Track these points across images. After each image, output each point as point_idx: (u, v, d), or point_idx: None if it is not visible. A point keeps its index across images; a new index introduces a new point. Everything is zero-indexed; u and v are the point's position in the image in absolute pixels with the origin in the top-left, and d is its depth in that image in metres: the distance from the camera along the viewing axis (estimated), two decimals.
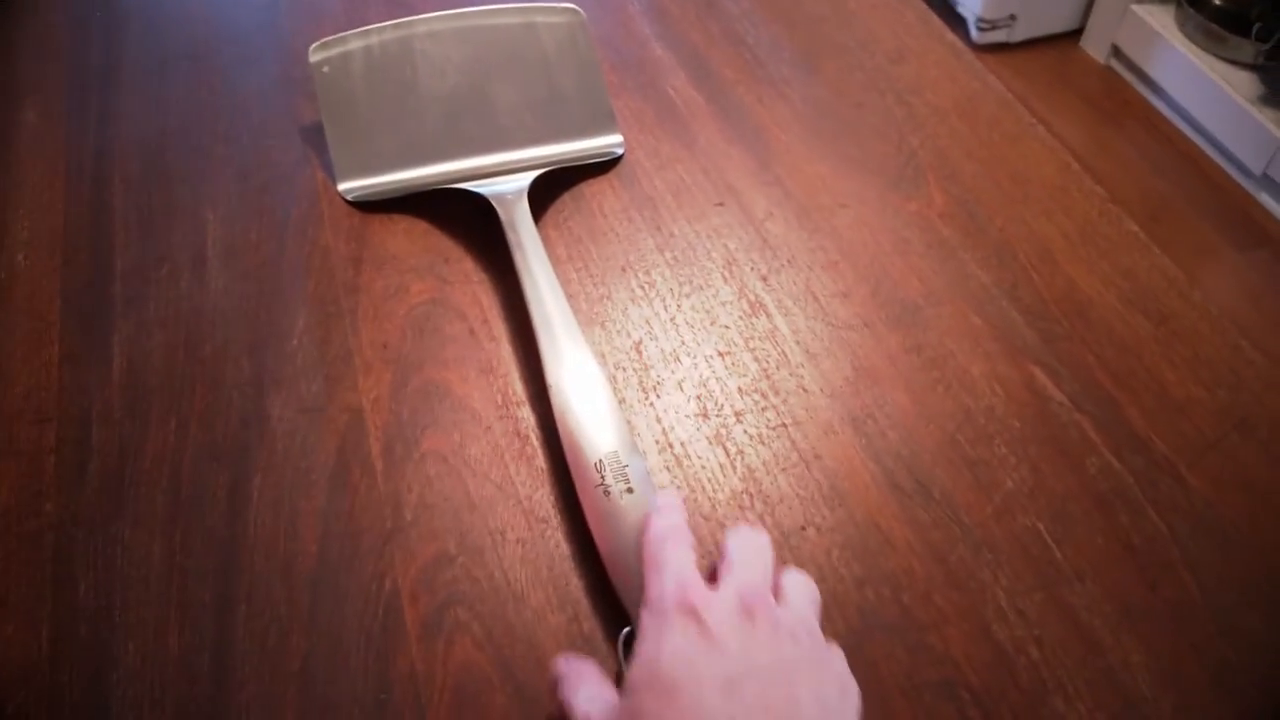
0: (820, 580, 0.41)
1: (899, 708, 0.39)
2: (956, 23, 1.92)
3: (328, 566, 0.42)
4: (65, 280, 0.52)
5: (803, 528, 0.44)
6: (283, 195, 0.56)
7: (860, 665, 0.38)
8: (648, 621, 0.35)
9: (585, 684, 0.35)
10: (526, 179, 0.54)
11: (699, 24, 0.68)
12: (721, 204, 0.57)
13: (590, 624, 0.41)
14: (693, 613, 0.35)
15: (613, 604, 0.40)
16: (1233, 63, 1.67)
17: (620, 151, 0.59)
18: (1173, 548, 0.43)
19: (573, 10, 0.60)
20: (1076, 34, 1.93)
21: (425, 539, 0.43)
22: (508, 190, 0.53)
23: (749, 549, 0.39)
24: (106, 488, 0.44)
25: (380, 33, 0.56)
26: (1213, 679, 0.40)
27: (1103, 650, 0.40)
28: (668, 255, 0.54)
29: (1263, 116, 1.59)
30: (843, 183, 0.58)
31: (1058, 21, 1.91)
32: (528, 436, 0.46)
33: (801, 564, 0.42)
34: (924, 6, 0.70)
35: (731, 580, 0.37)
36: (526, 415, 0.47)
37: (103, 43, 0.65)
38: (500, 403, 0.47)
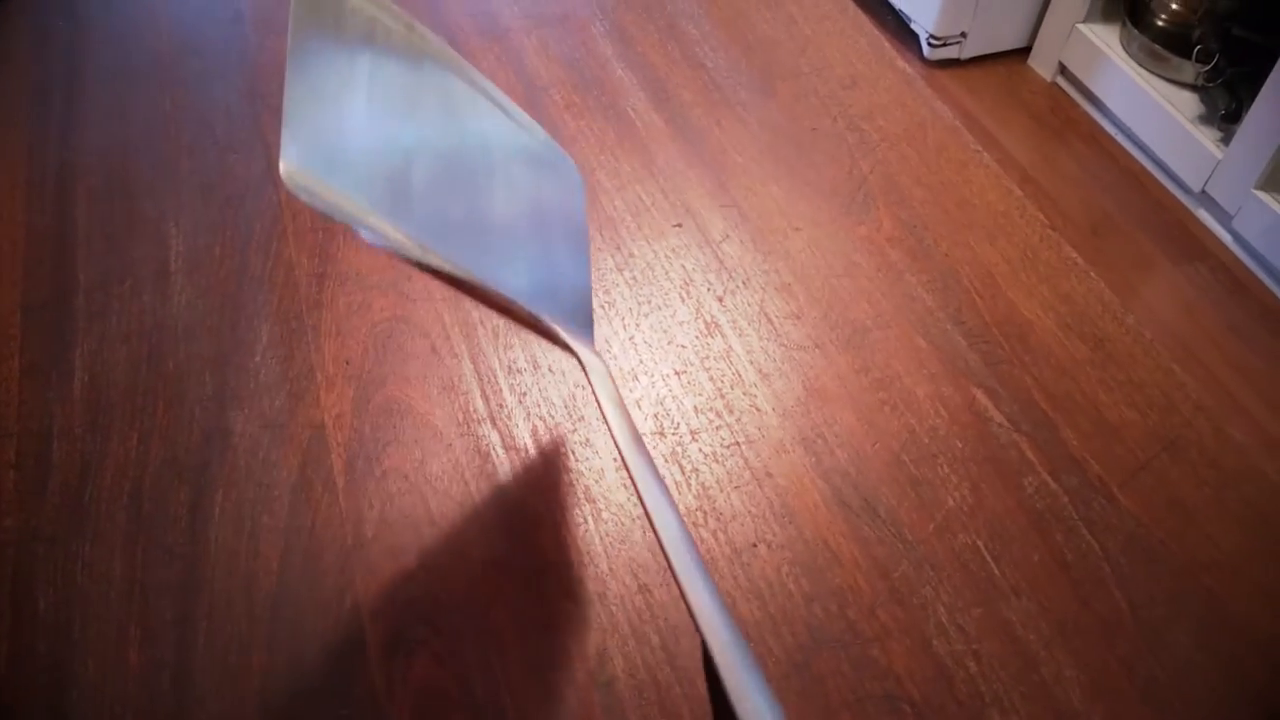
0: (771, 597, 0.43)
1: None
2: (909, 38, 1.96)
3: (289, 583, 0.43)
4: (26, 293, 0.52)
5: (754, 544, 0.45)
6: (247, 210, 0.56)
7: (808, 680, 0.40)
8: None
9: None
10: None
11: (660, 47, 0.69)
12: (679, 225, 0.58)
13: (549, 641, 0.42)
14: None
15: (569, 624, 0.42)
16: (1174, 83, 1.72)
17: (593, 367, 0.41)
18: (1104, 565, 0.45)
19: (574, 168, 0.50)
20: (1025, 51, 1.98)
21: (386, 556, 0.44)
22: None
23: None
24: (67, 503, 0.44)
25: (393, 18, 0.43)
26: (1141, 694, 0.42)
27: (1037, 664, 0.42)
28: (627, 275, 0.55)
29: (1202, 135, 1.64)
30: (796, 206, 0.60)
31: (1007, 39, 1.95)
32: (488, 454, 0.47)
33: (752, 580, 0.44)
34: (876, 33, 0.72)
35: None
36: (487, 433, 0.48)
37: (66, 53, 0.65)
38: (461, 420, 0.48)
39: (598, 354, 0.42)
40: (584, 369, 0.39)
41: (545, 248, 0.46)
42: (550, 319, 0.41)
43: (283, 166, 0.33)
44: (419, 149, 0.41)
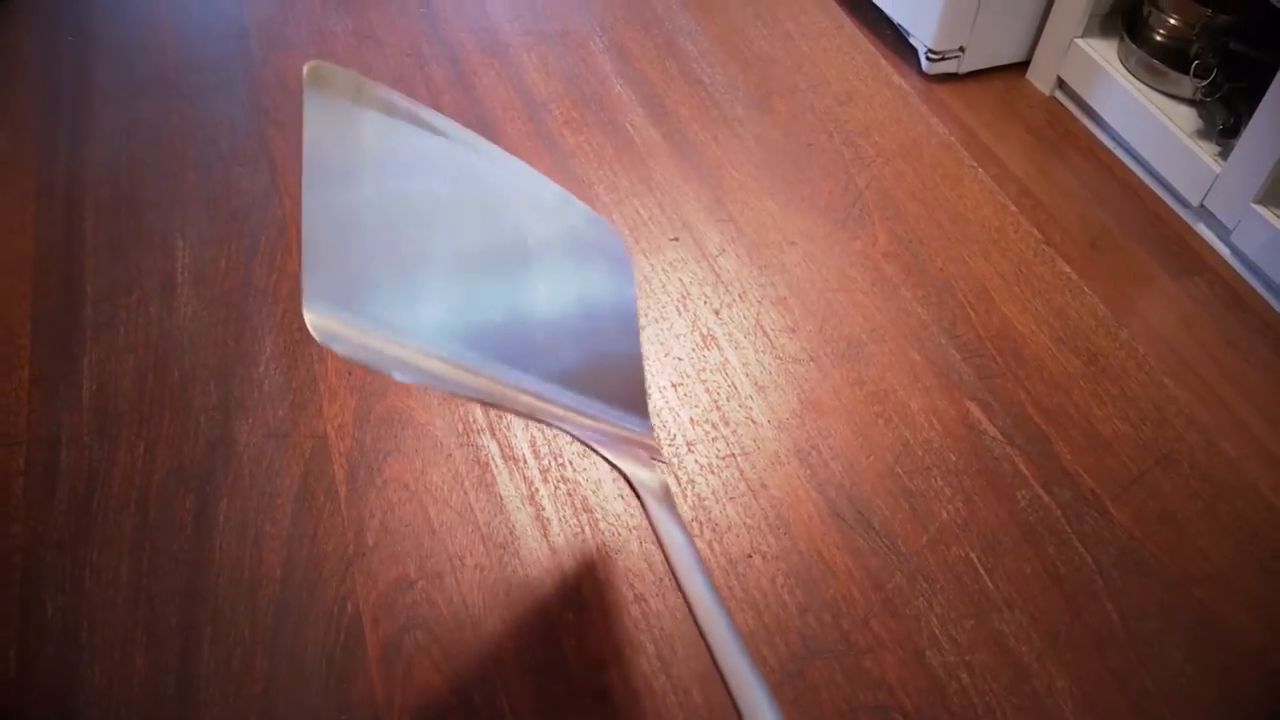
0: (765, 607, 0.44)
1: None
2: (908, 53, 1.97)
3: (291, 590, 0.43)
4: (36, 304, 0.53)
5: (749, 555, 0.46)
6: (251, 223, 0.57)
7: (802, 690, 0.41)
8: None
9: None
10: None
11: (658, 63, 0.70)
12: (676, 239, 0.59)
13: (545, 649, 0.42)
14: None
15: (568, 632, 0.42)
16: (1172, 97, 1.73)
17: (645, 486, 0.39)
18: (1097, 578, 0.46)
19: (620, 242, 0.47)
20: (1023, 66, 1.99)
21: (386, 564, 0.44)
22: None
23: None
24: (75, 510, 0.45)
25: (407, 110, 0.39)
26: (1132, 706, 0.42)
27: (1029, 676, 0.43)
28: None
29: (1200, 150, 1.65)
30: (792, 220, 0.60)
31: (1005, 53, 1.96)
32: (487, 464, 0.48)
33: (747, 590, 0.45)
34: (872, 49, 0.73)
35: None
36: (486, 443, 0.49)
37: (74, 67, 0.66)
38: (461, 430, 0.49)
39: (656, 453, 0.41)
40: (634, 490, 0.38)
41: (593, 333, 0.43)
42: (601, 420, 0.39)
43: (308, 317, 0.30)
44: (449, 257, 0.38)
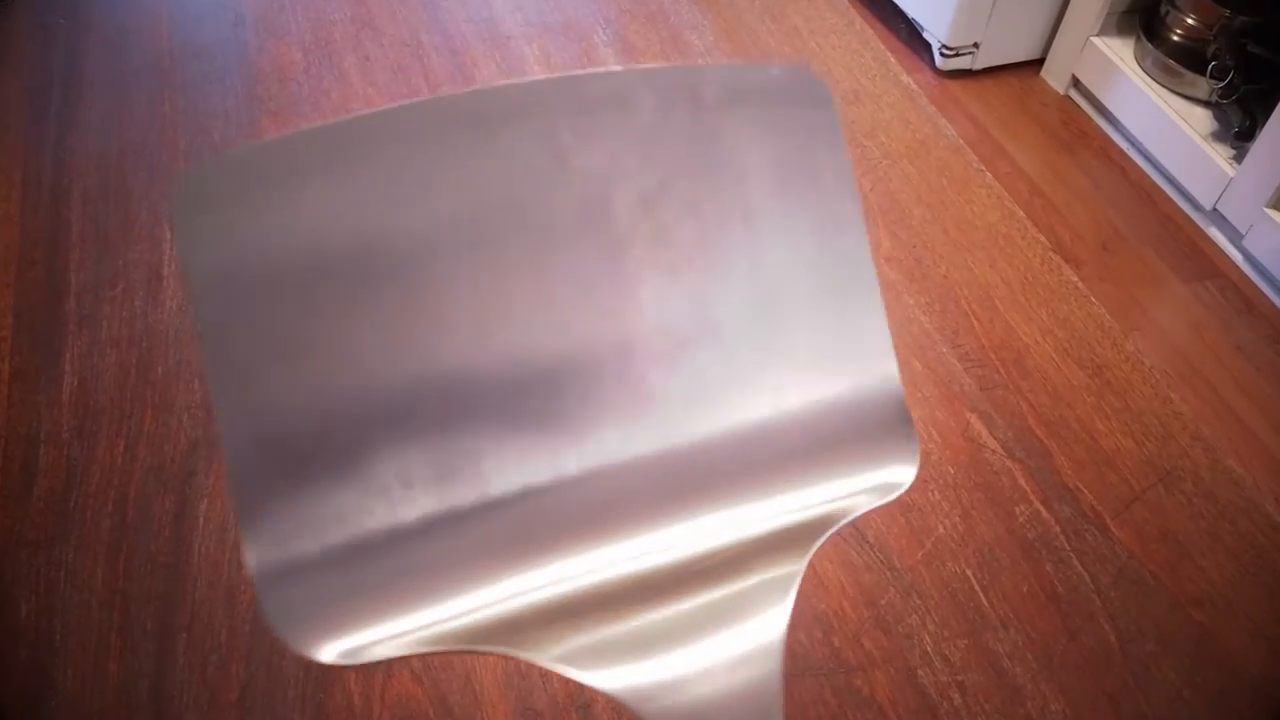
0: None
1: None
2: (921, 48, 1.95)
3: None
4: (19, 295, 0.52)
5: None
6: None
7: (790, 708, 0.40)
8: None
9: None
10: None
11: (663, 58, 0.69)
12: None
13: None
14: None
15: None
16: (1188, 98, 1.71)
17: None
18: (1095, 598, 0.45)
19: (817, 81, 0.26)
20: (1038, 63, 1.97)
21: None
22: None
23: None
24: (52, 509, 0.44)
25: (325, 176, 0.21)
26: None
27: (1023, 698, 0.42)
28: None
29: (1214, 152, 1.63)
30: None
31: (1020, 50, 1.94)
32: None
33: None
34: (881, 48, 0.72)
35: None
36: None
37: (65, 53, 0.65)
38: None
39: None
40: None
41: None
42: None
43: (253, 565, 0.20)
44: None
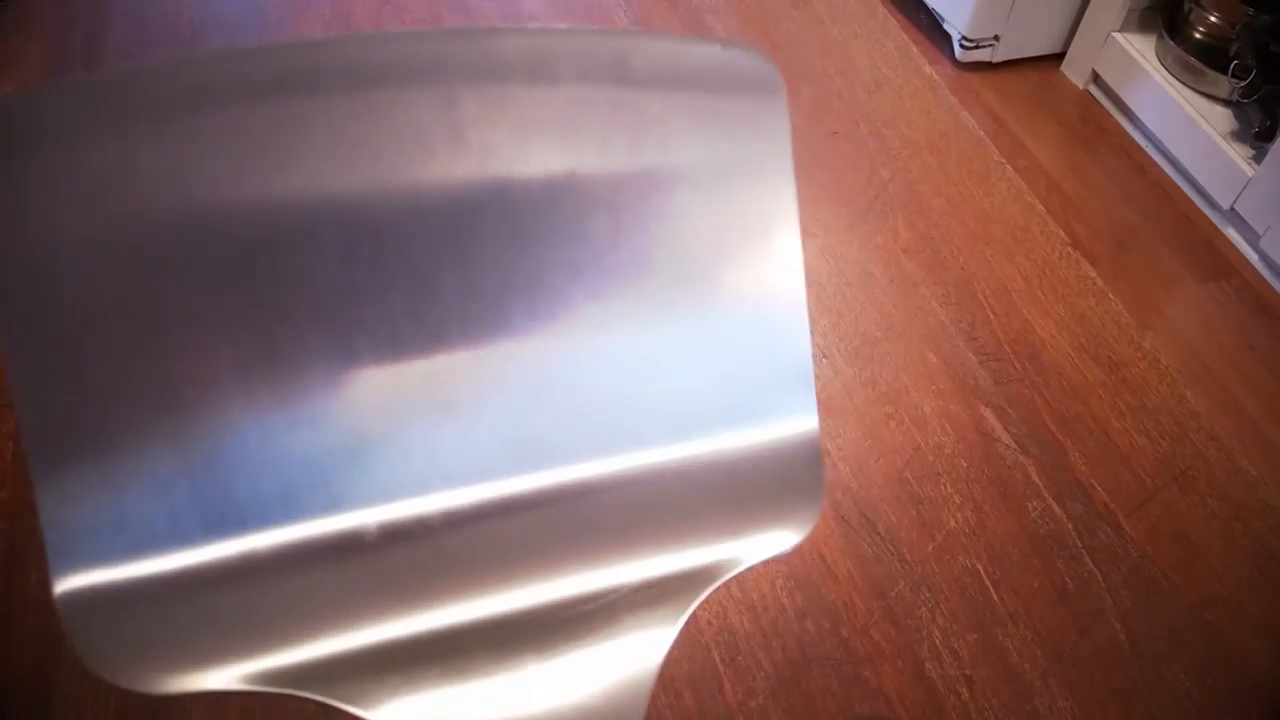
0: (763, 610, 0.42)
1: None
2: (941, 40, 1.94)
3: None
4: None
5: None
6: None
7: (796, 697, 0.39)
8: None
9: None
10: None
11: None
12: None
13: None
14: None
15: None
16: (1209, 97, 1.70)
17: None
18: (1105, 596, 0.45)
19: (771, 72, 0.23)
20: (1058, 58, 1.95)
21: None
22: None
23: None
24: None
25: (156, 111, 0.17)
26: None
27: (1031, 694, 0.42)
28: None
29: (1233, 152, 1.62)
30: (813, 211, 0.59)
31: (1041, 44, 1.93)
32: None
33: (745, 592, 0.43)
34: (904, 37, 0.71)
35: None
36: None
37: (87, 23, 0.65)
38: None
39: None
40: None
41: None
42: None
43: (58, 592, 0.19)
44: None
